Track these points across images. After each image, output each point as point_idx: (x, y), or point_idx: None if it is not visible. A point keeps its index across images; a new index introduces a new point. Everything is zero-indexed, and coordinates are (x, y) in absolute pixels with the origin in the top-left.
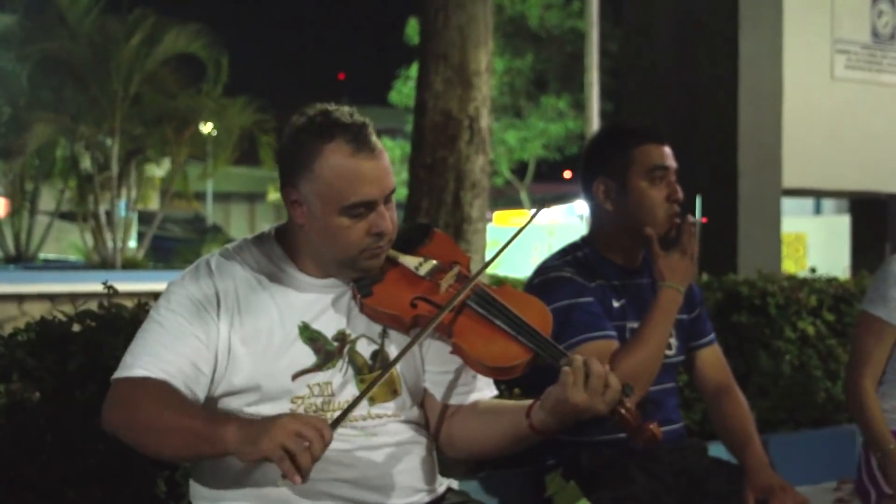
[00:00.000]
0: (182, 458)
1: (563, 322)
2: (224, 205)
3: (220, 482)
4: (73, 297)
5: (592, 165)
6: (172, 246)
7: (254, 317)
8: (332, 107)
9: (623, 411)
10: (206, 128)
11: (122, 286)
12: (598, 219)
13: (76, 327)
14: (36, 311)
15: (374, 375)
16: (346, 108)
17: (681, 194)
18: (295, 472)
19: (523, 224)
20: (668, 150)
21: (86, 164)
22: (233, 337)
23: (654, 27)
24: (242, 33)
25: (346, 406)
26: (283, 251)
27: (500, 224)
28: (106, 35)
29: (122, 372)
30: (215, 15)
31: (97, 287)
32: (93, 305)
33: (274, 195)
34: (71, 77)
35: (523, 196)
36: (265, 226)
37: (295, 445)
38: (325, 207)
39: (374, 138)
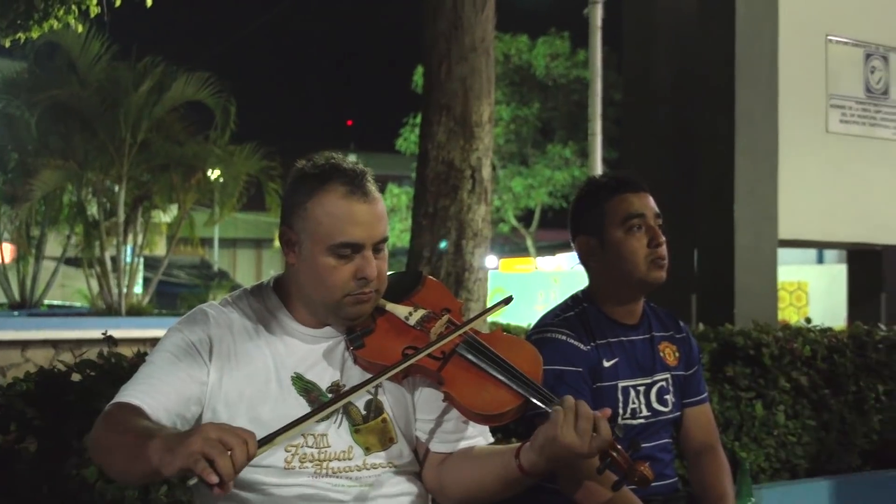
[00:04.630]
0: (131, 477)
1: (554, 386)
2: (230, 250)
3: None
4: (76, 344)
5: (574, 224)
6: (178, 291)
7: (248, 365)
8: (336, 154)
9: (614, 454)
10: (213, 174)
11: (125, 333)
12: (590, 275)
13: (76, 377)
14: (39, 357)
15: (370, 425)
16: (350, 157)
17: (662, 238)
18: (212, 473)
19: (496, 303)
20: (644, 196)
21: (92, 210)
22: (225, 384)
23: (654, 79)
24: (250, 81)
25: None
26: (279, 301)
27: (506, 271)
28: (115, 82)
29: (109, 403)
30: (223, 63)
31: (100, 334)
32: (95, 352)
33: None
34: (79, 124)
35: (528, 243)
36: (271, 271)
37: (214, 451)
38: (314, 246)
39: (370, 186)
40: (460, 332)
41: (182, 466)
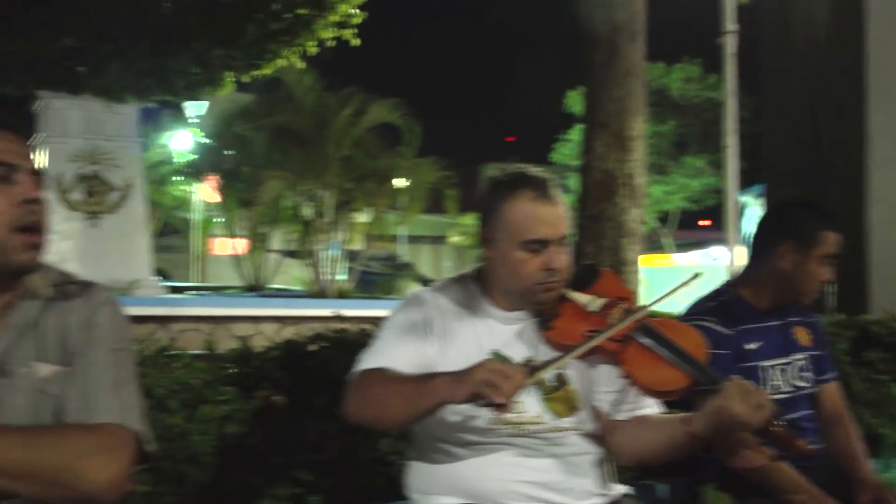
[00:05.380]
0: (408, 418)
1: None
2: (414, 245)
3: (431, 477)
4: (297, 320)
5: (777, 231)
6: (372, 279)
7: (457, 342)
8: (523, 165)
9: (776, 427)
10: (402, 183)
11: (334, 312)
12: (764, 273)
13: (312, 347)
14: (269, 330)
15: (557, 395)
16: (534, 168)
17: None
18: (497, 395)
19: (686, 279)
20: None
21: (306, 212)
22: (439, 358)
23: (789, 98)
24: (432, 104)
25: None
26: (479, 289)
27: (645, 265)
28: (323, 108)
29: (352, 371)
30: (410, 91)
31: (316, 311)
32: (314, 326)
33: (455, 238)
34: (295, 142)
35: (665, 241)
36: (447, 264)
37: (494, 377)
38: (508, 242)
39: (553, 191)
40: (638, 316)
41: (471, 391)
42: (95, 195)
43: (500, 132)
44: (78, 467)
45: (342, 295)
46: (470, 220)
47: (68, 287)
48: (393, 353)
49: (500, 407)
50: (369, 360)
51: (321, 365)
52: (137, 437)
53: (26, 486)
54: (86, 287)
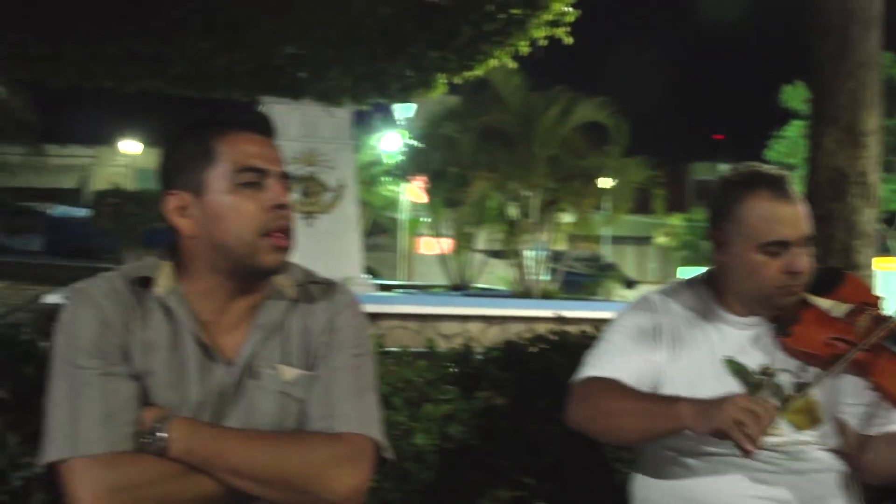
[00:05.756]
0: (641, 438)
1: None
2: (618, 246)
3: (659, 489)
4: (503, 319)
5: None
6: (576, 280)
7: (688, 349)
8: (757, 164)
9: None
10: (608, 183)
11: (537, 313)
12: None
13: (533, 349)
14: (474, 329)
15: (798, 405)
16: (768, 166)
17: None
18: (746, 440)
19: None
20: None
21: (512, 212)
22: (667, 366)
23: None
24: (639, 102)
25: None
26: (711, 293)
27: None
28: (530, 108)
29: (578, 376)
30: (616, 88)
31: (521, 312)
32: (519, 327)
33: (660, 239)
34: (502, 142)
35: (892, 244)
36: (652, 265)
37: (745, 417)
38: (744, 245)
39: (792, 188)
40: (892, 323)
41: (717, 428)
42: (311, 196)
43: (707, 130)
44: (322, 476)
45: (547, 295)
46: (676, 220)
47: (311, 287)
48: (619, 361)
49: (748, 451)
50: (594, 365)
51: (542, 367)
52: (376, 446)
53: (271, 491)
54: (328, 287)
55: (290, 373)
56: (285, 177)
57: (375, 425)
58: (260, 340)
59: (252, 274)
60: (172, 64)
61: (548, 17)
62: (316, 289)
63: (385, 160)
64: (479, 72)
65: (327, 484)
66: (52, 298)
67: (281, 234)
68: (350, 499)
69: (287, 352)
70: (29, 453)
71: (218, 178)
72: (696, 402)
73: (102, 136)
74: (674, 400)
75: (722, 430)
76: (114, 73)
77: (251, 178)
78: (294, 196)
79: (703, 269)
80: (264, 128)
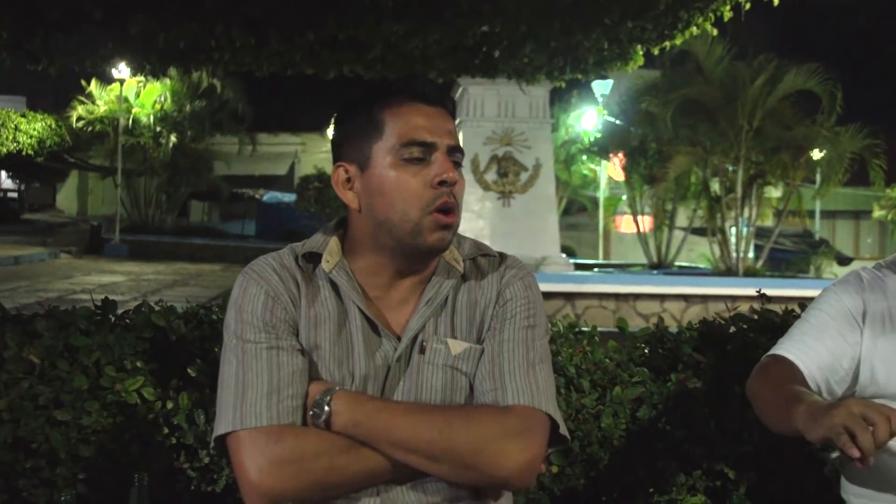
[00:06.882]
0: (775, 430)
1: None
2: (830, 221)
3: (874, 478)
4: (703, 298)
5: None
6: (784, 257)
7: None
8: None
9: None
10: (819, 154)
11: (742, 291)
12: None
13: (732, 329)
14: (674, 308)
15: None
16: None
17: None
18: (852, 448)
19: None
20: None
21: (714, 187)
22: (880, 344)
23: None
24: (855, 66)
25: None
26: None
27: None
28: (734, 78)
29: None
30: (829, 53)
31: (722, 290)
32: (719, 306)
33: (878, 212)
34: (704, 116)
35: None
36: (868, 241)
37: (856, 425)
38: None
39: None
40: None
41: (824, 435)
42: (508, 175)
43: None
44: (491, 451)
45: (750, 273)
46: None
47: (481, 260)
48: (806, 343)
49: (859, 461)
50: (782, 343)
51: (742, 348)
52: (550, 420)
53: (438, 466)
54: (499, 260)
55: (458, 346)
56: (455, 150)
57: (548, 399)
58: (427, 316)
59: (416, 252)
60: (369, 48)
61: None
62: (485, 262)
63: (583, 138)
64: (678, 41)
65: (495, 458)
66: None
67: (447, 212)
68: (520, 475)
69: (456, 325)
70: None
71: (382, 151)
72: (813, 404)
73: (310, 124)
74: (799, 400)
75: (827, 437)
76: (314, 60)
77: (416, 153)
78: (490, 176)
79: None
80: (436, 98)
